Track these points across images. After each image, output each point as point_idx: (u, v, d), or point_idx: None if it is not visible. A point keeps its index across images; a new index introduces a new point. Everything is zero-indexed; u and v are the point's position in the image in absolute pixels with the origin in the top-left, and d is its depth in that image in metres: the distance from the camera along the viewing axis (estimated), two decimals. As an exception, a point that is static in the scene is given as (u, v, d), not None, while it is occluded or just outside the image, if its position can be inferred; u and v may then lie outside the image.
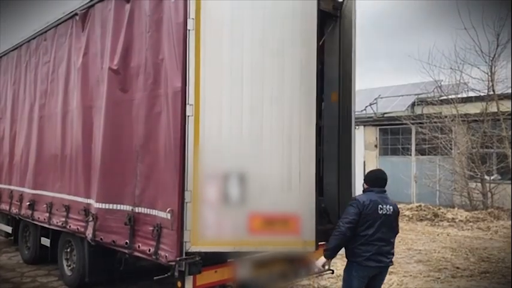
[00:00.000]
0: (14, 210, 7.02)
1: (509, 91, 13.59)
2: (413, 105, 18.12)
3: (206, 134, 3.79)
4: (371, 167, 15.18)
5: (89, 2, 5.31)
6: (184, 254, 3.91)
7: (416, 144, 16.25)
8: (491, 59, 13.95)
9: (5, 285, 5.98)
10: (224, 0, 3.90)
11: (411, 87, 18.77)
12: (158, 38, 4.20)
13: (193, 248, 3.91)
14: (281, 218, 3.86)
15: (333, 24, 5.37)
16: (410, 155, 16.44)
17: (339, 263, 5.60)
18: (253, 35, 3.76)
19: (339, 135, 5.43)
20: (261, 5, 3.85)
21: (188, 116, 3.84)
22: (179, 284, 4.04)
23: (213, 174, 3.81)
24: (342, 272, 4.21)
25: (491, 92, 14.17)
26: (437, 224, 11.71)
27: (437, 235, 10.21)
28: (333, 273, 5.51)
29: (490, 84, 14.16)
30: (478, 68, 14.34)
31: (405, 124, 15.81)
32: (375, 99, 18.73)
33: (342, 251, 4.05)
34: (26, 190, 6.62)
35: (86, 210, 5.04)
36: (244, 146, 3.79)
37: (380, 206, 3.87)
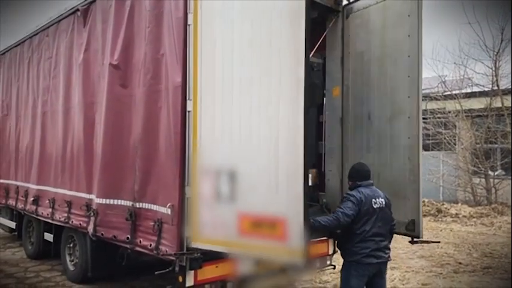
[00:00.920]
0: (20, 205, 7.07)
1: (514, 86, 13.50)
2: (417, 100, 17.98)
3: (203, 129, 3.77)
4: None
5: (90, -3, 5.32)
6: (185, 249, 3.92)
7: (420, 140, 16.15)
8: (495, 53, 13.88)
9: (8, 280, 6.03)
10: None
11: (415, 82, 18.59)
12: (158, 33, 4.19)
13: (193, 244, 3.92)
14: (269, 220, 3.60)
15: (334, 18, 5.35)
16: (414, 150, 16.34)
17: (341, 259, 5.59)
18: (242, 33, 3.69)
19: (342, 129, 5.40)
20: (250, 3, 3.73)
21: (188, 111, 3.84)
22: (180, 278, 4.05)
23: (209, 171, 3.76)
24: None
25: (496, 87, 14.08)
26: (440, 219, 11.68)
27: (441, 230, 10.19)
28: (334, 268, 5.51)
29: (494, 79, 14.07)
30: (482, 62, 14.27)
31: (409, 119, 15.68)
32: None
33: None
34: (31, 186, 6.66)
35: (88, 205, 5.06)
36: (235, 144, 3.73)
37: (374, 200, 3.83)
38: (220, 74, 3.70)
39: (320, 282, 5.95)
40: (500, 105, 13.92)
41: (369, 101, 5.07)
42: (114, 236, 4.56)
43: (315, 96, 5.74)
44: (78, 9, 5.50)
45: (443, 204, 12.91)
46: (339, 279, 4.10)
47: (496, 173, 14.68)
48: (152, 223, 4.16)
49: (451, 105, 14.91)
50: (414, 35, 4.58)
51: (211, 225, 3.82)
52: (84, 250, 5.50)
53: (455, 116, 14.58)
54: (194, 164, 3.79)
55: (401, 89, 4.69)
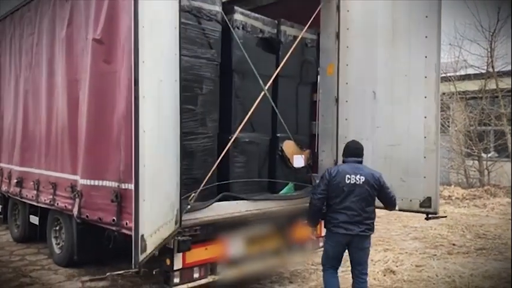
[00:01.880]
0: (4, 187, 6.85)
1: (509, 67, 13.35)
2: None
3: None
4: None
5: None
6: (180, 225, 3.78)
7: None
8: (491, 34, 13.69)
9: (-7, 263, 5.86)
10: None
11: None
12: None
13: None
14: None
15: (329, -7, 5.13)
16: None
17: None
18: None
19: (337, 109, 5.22)
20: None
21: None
22: (168, 261, 3.92)
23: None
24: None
25: (491, 69, 13.94)
26: (433, 201, 11.61)
27: (434, 212, 10.13)
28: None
29: (490, 60, 13.91)
30: (478, 43, 14.09)
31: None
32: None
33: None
34: (14, 167, 6.44)
35: (73, 187, 4.86)
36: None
37: (348, 175, 3.95)
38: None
39: (313, 264, 5.84)
40: (494, 87, 13.79)
41: (374, 80, 4.87)
42: (100, 218, 4.38)
43: (308, 74, 5.55)
44: (60, -19, 5.22)
45: (436, 186, 12.81)
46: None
47: (489, 155, 14.65)
48: (138, 205, 3.98)
49: (445, 87, 14.74)
50: (433, 15, 4.43)
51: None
52: (70, 233, 5.34)
53: (449, 98, 14.44)
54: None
55: (416, 69, 4.52)
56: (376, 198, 4.06)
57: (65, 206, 5.12)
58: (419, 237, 7.67)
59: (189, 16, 4.31)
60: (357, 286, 4.09)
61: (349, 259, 4.14)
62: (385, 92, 4.80)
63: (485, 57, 14.01)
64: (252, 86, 4.80)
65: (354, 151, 4.13)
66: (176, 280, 3.96)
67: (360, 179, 3.94)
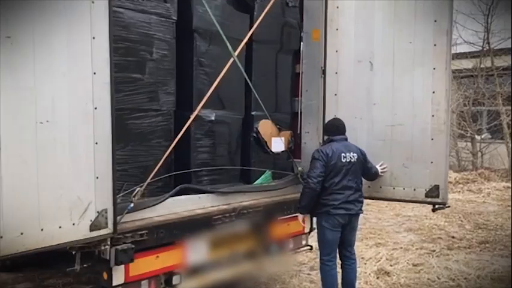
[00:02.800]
0: None
1: (507, 44, 12.58)
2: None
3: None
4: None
5: None
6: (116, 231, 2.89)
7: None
8: (488, 8, 12.84)
9: None
10: None
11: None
12: None
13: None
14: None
15: None
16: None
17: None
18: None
19: (324, 83, 4.35)
20: None
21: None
22: (105, 275, 3.03)
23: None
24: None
25: (486, 46, 13.15)
26: (425, 186, 10.91)
27: (427, 199, 9.40)
28: (311, 249, 4.61)
29: (486, 36, 13.11)
30: (474, 18, 13.24)
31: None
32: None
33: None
34: None
35: None
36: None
37: (343, 154, 3.84)
38: None
39: (295, 265, 5.03)
40: (490, 64, 13.03)
41: (371, 48, 4.13)
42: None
43: (290, 39, 4.63)
44: None
45: (427, 170, 12.11)
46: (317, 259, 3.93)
47: (482, 137, 14.01)
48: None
49: (438, 65, 13.92)
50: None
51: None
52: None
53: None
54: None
55: (423, 36, 3.86)
56: None
57: None
58: (414, 228, 6.91)
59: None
60: (348, 268, 4.03)
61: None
62: (385, 62, 4.09)
63: (482, 32, 13.17)
64: (219, 52, 3.87)
65: (341, 129, 3.99)
66: (117, 298, 3.10)
67: (353, 157, 3.87)
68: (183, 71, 3.73)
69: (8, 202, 2.31)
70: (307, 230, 4.49)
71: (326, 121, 4.24)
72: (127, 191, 3.22)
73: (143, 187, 3.19)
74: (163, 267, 3.32)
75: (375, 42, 4.12)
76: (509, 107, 12.72)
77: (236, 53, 3.77)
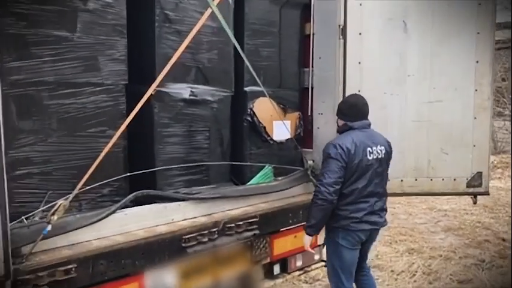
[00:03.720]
0: None
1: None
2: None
3: None
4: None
5: None
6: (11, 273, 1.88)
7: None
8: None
9: None
10: None
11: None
12: None
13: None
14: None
15: None
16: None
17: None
18: None
19: (344, 47, 3.29)
20: None
21: None
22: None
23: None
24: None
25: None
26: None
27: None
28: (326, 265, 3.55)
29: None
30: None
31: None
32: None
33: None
34: None
35: None
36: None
37: (369, 149, 2.84)
38: None
39: (306, 281, 3.98)
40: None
41: (404, 3, 3.28)
42: None
43: (297, -10, 3.47)
44: None
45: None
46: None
47: (522, 114, 12.62)
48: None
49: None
50: None
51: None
52: None
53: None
54: None
55: None
56: None
57: None
58: (453, 227, 5.75)
59: None
60: (367, 282, 3.17)
61: None
62: (422, 23, 3.32)
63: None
64: (196, 1, 2.77)
65: (365, 111, 2.93)
66: None
67: (381, 151, 2.90)
68: (139, 28, 2.64)
69: None
70: (320, 241, 3.44)
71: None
72: (50, 204, 2.19)
73: (69, 199, 2.14)
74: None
75: (409, 6, 3.26)
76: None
77: (217, 1, 2.65)
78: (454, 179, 3.42)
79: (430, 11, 3.30)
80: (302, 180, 3.30)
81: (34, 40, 2.13)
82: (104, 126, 2.43)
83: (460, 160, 3.40)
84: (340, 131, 2.96)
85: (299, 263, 3.38)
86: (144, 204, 2.57)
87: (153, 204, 2.57)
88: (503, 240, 5.18)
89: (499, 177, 9.12)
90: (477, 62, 3.32)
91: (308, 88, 3.52)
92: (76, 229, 2.20)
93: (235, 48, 2.91)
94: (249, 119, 3.19)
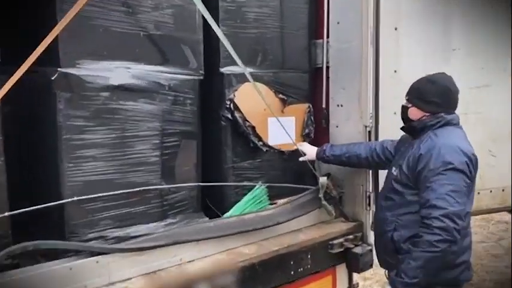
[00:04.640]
0: None
1: None
2: None
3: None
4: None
5: None
6: None
7: None
8: None
9: None
10: None
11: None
12: None
13: None
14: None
15: None
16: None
17: None
18: None
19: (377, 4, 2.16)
20: None
21: None
22: None
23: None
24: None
25: None
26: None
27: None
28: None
29: None
30: None
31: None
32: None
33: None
34: None
35: None
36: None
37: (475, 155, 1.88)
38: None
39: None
40: None
41: None
42: None
43: None
44: None
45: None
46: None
47: None
48: None
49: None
50: None
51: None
52: None
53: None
54: None
55: None
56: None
57: None
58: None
59: None
60: None
61: None
62: None
63: None
64: None
65: (456, 97, 1.95)
66: None
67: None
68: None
69: None
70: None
71: (380, 82, 2.09)
72: None
73: None
74: None
75: None
76: None
77: None
78: (503, 190, 2.74)
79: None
80: (311, 206, 2.22)
81: None
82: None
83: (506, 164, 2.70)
84: (431, 125, 1.92)
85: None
86: (40, 262, 1.55)
87: (43, 265, 1.54)
88: None
89: None
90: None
91: (322, 68, 2.42)
92: None
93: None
94: (229, 115, 2.11)
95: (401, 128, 2.04)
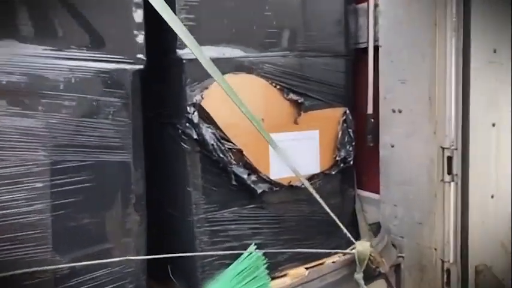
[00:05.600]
0: None
1: None
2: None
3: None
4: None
5: None
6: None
7: None
8: None
9: None
10: None
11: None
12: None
13: None
14: None
15: None
16: None
17: None
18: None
19: None
20: None
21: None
22: None
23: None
24: None
25: None
26: None
27: None
28: None
29: None
30: None
31: None
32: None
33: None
34: None
35: None
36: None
37: None
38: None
39: None
40: None
41: None
42: None
43: None
44: None
45: None
46: None
47: None
48: None
49: None
50: None
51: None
52: None
53: None
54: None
55: None
56: None
57: None
58: None
59: None
60: None
61: None
62: None
63: None
64: None
65: None
66: None
67: None
68: None
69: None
70: None
71: (473, 73, 1.12)
72: None
73: None
74: None
75: None
76: None
77: None
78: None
79: None
80: (342, 284, 1.26)
81: None
82: None
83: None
84: None
85: None
86: None
87: None
88: None
89: None
90: None
91: (367, 50, 1.46)
92: None
93: None
94: (191, 131, 1.22)
95: None
